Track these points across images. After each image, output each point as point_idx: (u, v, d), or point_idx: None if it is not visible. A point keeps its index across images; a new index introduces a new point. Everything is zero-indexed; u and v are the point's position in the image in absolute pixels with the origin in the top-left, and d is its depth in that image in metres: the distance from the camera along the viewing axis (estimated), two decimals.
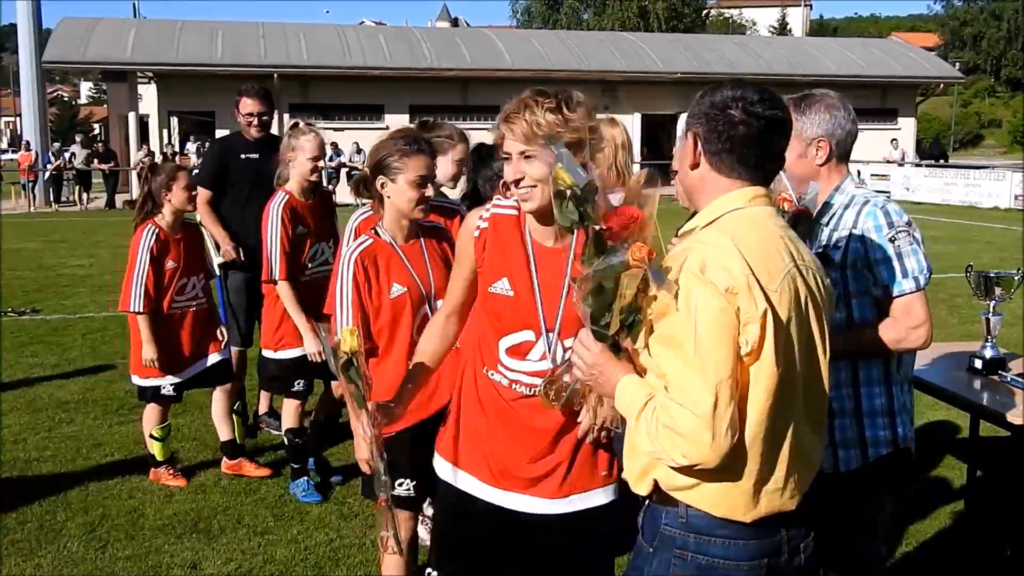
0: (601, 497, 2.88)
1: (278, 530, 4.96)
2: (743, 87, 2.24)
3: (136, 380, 5.59)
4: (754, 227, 2.19)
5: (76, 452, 6.11)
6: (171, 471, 5.62)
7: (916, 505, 5.25)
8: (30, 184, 28.50)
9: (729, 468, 2.11)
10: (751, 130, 2.19)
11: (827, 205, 3.06)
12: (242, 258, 6.16)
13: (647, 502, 2.34)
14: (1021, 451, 4.23)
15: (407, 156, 3.46)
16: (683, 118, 2.39)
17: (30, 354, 8.83)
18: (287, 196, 5.24)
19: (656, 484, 2.26)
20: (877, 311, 2.98)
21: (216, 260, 6.23)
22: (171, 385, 5.54)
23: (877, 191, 3.17)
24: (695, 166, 2.27)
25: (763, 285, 2.09)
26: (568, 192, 2.28)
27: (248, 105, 6.23)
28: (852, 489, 3.04)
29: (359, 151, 29.21)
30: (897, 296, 2.93)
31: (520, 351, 2.81)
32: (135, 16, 44.14)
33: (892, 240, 2.93)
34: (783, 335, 2.11)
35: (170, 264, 5.42)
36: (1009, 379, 4.16)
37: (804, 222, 2.94)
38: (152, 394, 5.58)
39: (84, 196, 28.64)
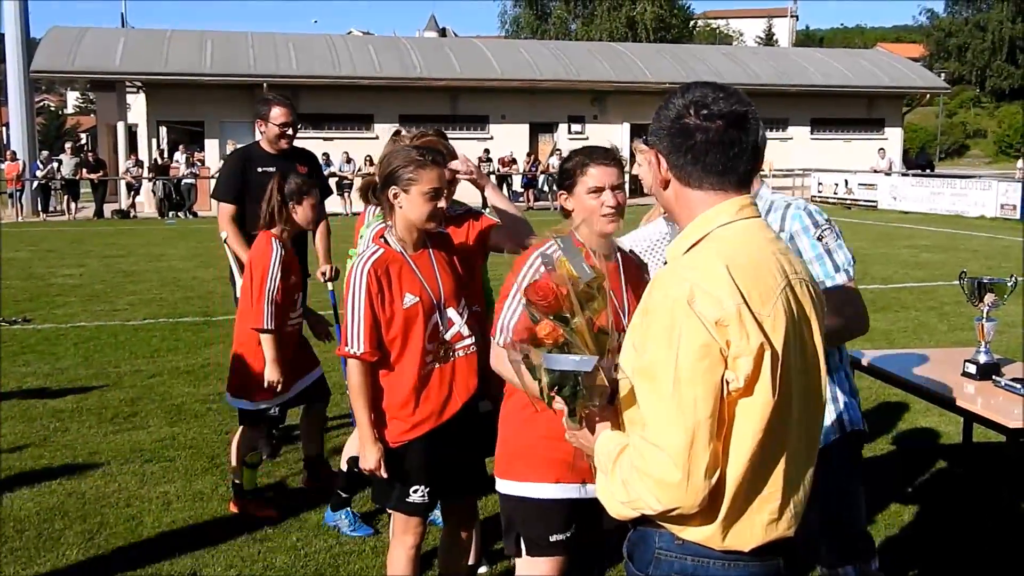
0: None
1: (277, 537, 4.96)
2: (695, 89, 2.12)
3: (241, 404, 5.16)
4: (744, 244, 2.07)
5: (72, 461, 6.09)
6: (260, 502, 5.29)
7: (909, 509, 5.29)
8: (17, 194, 28.41)
9: (718, 507, 2.01)
10: (709, 135, 2.07)
11: None
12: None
13: (634, 526, 2.19)
14: (1017, 455, 4.27)
15: (421, 168, 3.43)
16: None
17: (22, 363, 8.80)
18: None
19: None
20: None
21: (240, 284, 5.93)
22: (278, 406, 5.21)
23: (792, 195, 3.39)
24: (666, 184, 2.18)
25: (755, 311, 1.97)
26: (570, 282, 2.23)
27: (280, 114, 5.99)
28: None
29: (348, 160, 29.24)
30: (833, 289, 3.13)
31: None
32: (123, 25, 44.07)
33: (820, 239, 3.18)
34: (779, 364, 1.99)
35: (292, 279, 5.11)
36: (1004, 384, 4.21)
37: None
38: (257, 416, 5.21)
39: (72, 206, 28.51)
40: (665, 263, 2.21)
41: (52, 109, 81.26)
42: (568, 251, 2.28)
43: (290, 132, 6.06)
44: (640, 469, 1.96)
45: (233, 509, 5.27)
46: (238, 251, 5.99)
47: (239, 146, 6.79)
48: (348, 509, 5.08)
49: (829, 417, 3.25)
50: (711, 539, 2.05)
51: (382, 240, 3.56)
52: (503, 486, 3.21)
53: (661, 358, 1.95)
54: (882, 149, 33.75)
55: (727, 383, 1.95)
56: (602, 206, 3.09)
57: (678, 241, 2.15)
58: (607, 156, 3.17)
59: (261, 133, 6.13)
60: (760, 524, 2.06)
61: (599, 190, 3.10)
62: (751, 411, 1.97)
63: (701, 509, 1.98)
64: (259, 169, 6.06)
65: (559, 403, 2.18)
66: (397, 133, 4.66)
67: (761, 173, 2.97)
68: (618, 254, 3.26)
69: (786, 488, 2.08)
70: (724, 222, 2.08)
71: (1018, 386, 4.14)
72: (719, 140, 2.07)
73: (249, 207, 6.02)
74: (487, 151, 31.15)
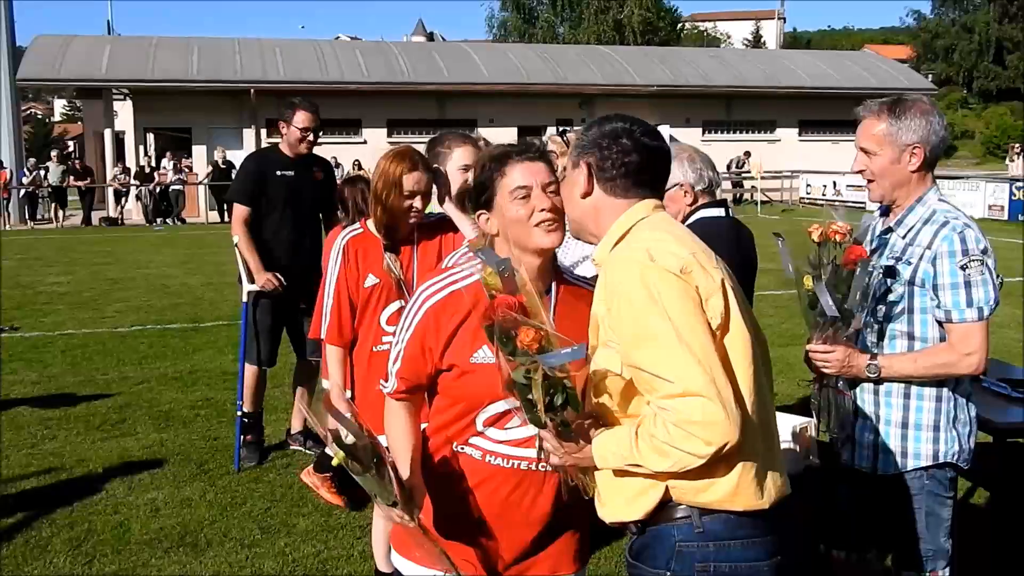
0: None
1: (265, 543, 4.95)
2: (628, 119, 2.32)
3: None
4: (672, 225, 2.28)
5: (60, 468, 6.07)
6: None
7: None
8: (4, 202, 28.30)
9: (740, 450, 2.07)
10: (643, 157, 2.28)
11: (906, 214, 3.07)
12: (280, 287, 5.95)
13: (644, 530, 2.23)
14: (1003, 454, 4.29)
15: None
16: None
17: (10, 371, 8.76)
18: None
19: (660, 502, 2.17)
20: (938, 328, 3.02)
21: (247, 287, 5.96)
22: None
23: (956, 208, 3.12)
24: (587, 194, 2.31)
25: (704, 264, 2.16)
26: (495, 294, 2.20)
27: (304, 119, 5.97)
28: (889, 493, 3.12)
29: (337, 165, 29.22)
30: (958, 323, 2.95)
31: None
32: (109, 33, 43.98)
33: (963, 268, 2.95)
34: (741, 302, 2.19)
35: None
36: (990, 384, 4.23)
37: (860, 265, 2.88)
38: None
39: (60, 213, 28.45)
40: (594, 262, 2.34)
41: (39, 117, 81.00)
42: (492, 261, 2.21)
43: (311, 137, 6.03)
44: (680, 423, 2.00)
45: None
46: (247, 256, 5.97)
47: (256, 149, 6.79)
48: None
49: (924, 444, 3.06)
50: (737, 495, 2.13)
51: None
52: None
53: (652, 317, 2.05)
54: None
55: (709, 324, 2.10)
56: (533, 212, 2.45)
57: (605, 240, 2.29)
58: (530, 150, 2.51)
59: (282, 136, 6.09)
60: (768, 477, 2.18)
61: (526, 190, 2.46)
62: (734, 347, 2.13)
63: (730, 456, 2.06)
64: (278, 173, 6.06)
65: (552, 421, 2.16)
66: (439, 140, 4.04)
67: (936, 174, 2.98)
68: (554, 284, 2.61)
69: (776, 438, 2.28)
70: (643, 216, 2.28)
71: (1004, 386, 4.16)
72: (650, 164, 2.31)
73: (264, 210, 6.04)
74: None
